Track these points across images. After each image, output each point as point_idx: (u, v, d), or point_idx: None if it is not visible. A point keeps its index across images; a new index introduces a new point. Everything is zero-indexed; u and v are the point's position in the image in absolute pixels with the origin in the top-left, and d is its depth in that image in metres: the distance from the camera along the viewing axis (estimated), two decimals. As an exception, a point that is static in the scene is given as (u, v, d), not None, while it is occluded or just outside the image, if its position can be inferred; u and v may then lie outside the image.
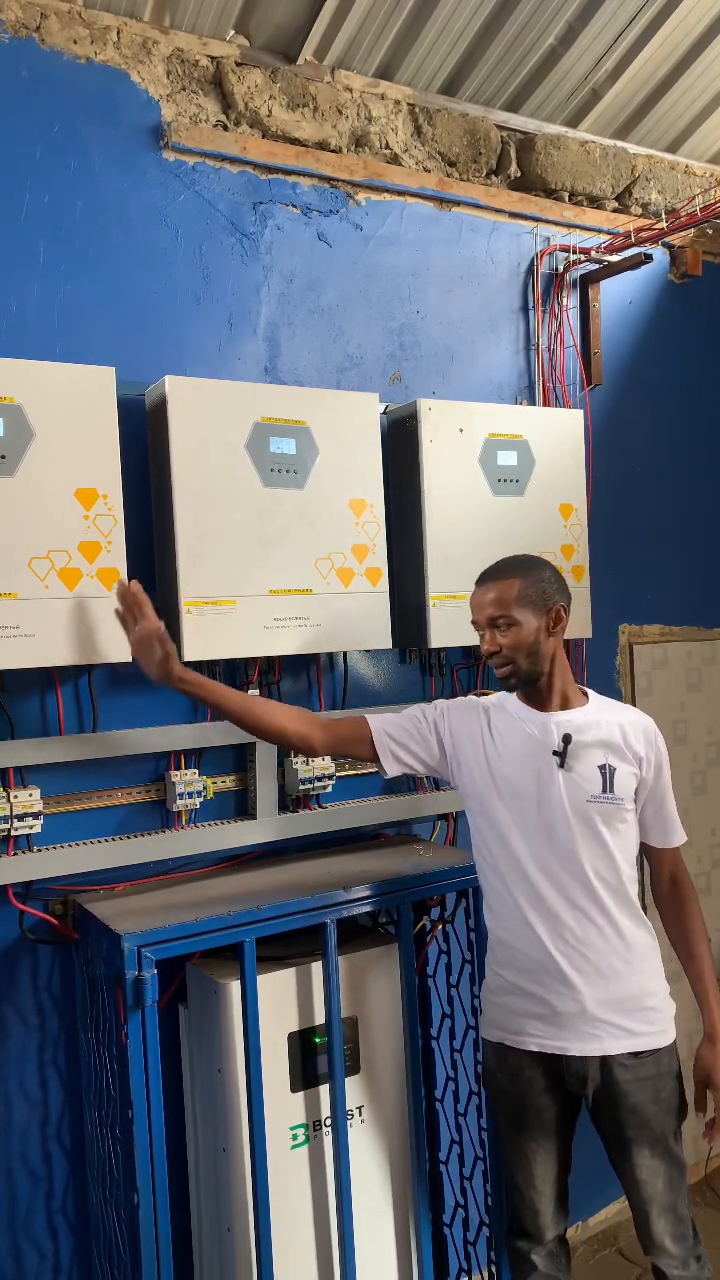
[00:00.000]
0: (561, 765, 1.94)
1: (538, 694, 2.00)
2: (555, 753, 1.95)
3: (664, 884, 2.07)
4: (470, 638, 2.45)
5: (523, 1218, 2.08)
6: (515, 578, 1.96)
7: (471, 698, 2.12)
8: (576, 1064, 1.95)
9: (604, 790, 1.94)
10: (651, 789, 1.99)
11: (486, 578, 2.00)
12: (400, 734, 2.05)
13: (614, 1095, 1.95)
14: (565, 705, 2.00)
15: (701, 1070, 1.98)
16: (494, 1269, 2.32)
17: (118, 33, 2.20)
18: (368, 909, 2.11)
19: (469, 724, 2.04)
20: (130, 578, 2.00)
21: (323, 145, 2.48)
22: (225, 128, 2.36)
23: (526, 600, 1.94)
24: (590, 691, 2.06)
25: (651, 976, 1.97)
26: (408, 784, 2.58)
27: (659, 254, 3.09)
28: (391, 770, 2.04)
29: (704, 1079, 1.98)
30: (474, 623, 2.01)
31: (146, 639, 1.90)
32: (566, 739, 1.95)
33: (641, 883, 2.04)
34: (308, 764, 2.33)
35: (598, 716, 1.99)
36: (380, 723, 2.05)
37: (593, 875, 1.93)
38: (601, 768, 1.94)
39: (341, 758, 2.30)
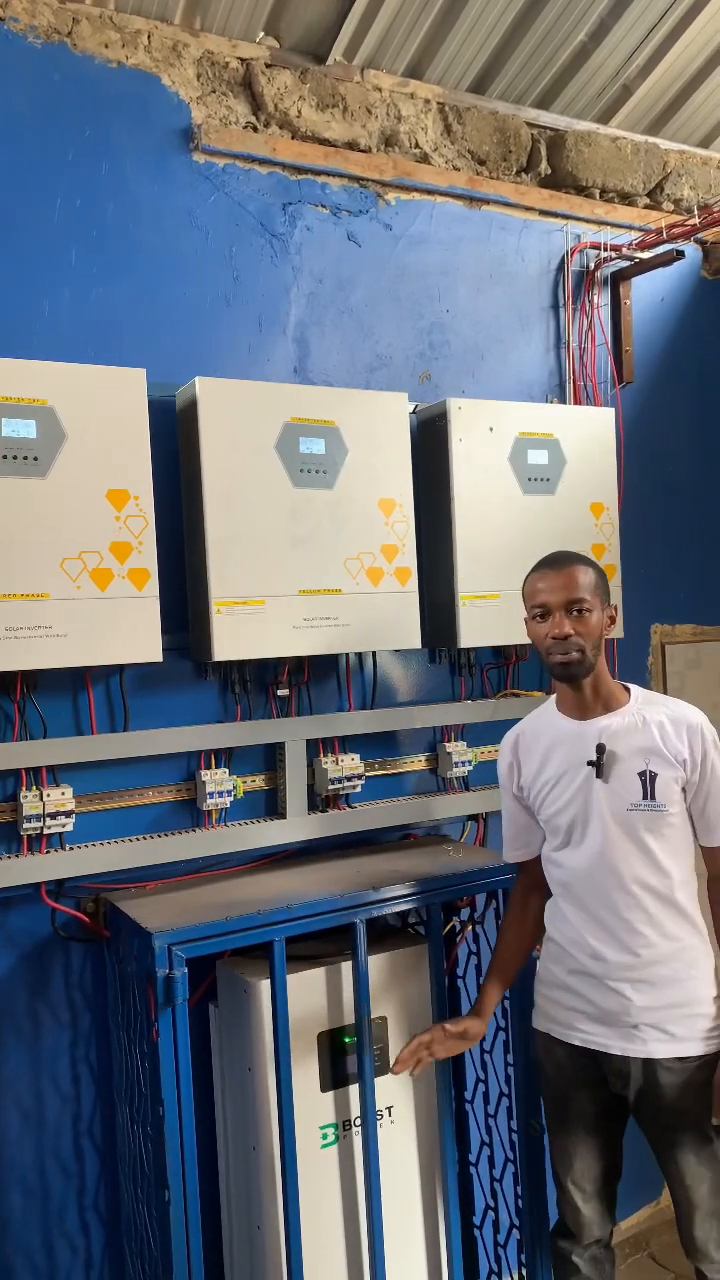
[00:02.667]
0: (599, 775, 1.92)
1: (580, 695, 1.97)
2: (590, 763, 1.93)
3: (714, 884, 1.99)
4: (500, 637, 2.45)
5: (564, 1215, 2.08)
6: (589, 566, 1.95)
7: (512, 731, 2.10)
8: (619, 1063, 1.95)
9: (645, 798, 1.90)
10: (698, 787, 1.93)
11: (559, 562, 1.95)
12: (524, 830, 2.09)
13: (658, 1098, 1.93)
14: (607, 708, 1.96)
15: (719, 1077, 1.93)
16: (524, 1271, 2.31)
17: (148, 36, 2.21)
18: (397, 909, 2.10)
19: (521, 758, 2.05)
20: (160, 577, 2.01)
21: (352, 145, 2.48)
22: (255, 129, 2.36)
23: (598, 591, 1.93)
24: (634, 688, 2.02)
25: (703, 985, 1.94)
26: (437, 784, 2.58)
27: (691, 250, 3.06)
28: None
29: None
30: (539, 605, 1.93)
31: (451, 1045, 2.02)
32: (600, 749, 1.92)
33: None
34: (337, 764, 2.33)
35: (638, 718, 1.94)
36: (517, 844, 2.11)
37: (637, 885, 1.91)
38: (641, 774, 1.90)
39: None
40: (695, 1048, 1.91)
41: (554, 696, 2.04)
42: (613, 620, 1.96)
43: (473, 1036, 2.03)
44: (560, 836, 1.99)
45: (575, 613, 1.90)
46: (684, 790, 1.92)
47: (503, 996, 2.11)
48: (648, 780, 1.90)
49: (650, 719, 1.93)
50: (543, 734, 2.02)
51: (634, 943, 1.91)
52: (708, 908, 1.99)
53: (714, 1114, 1.92)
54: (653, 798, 1.90)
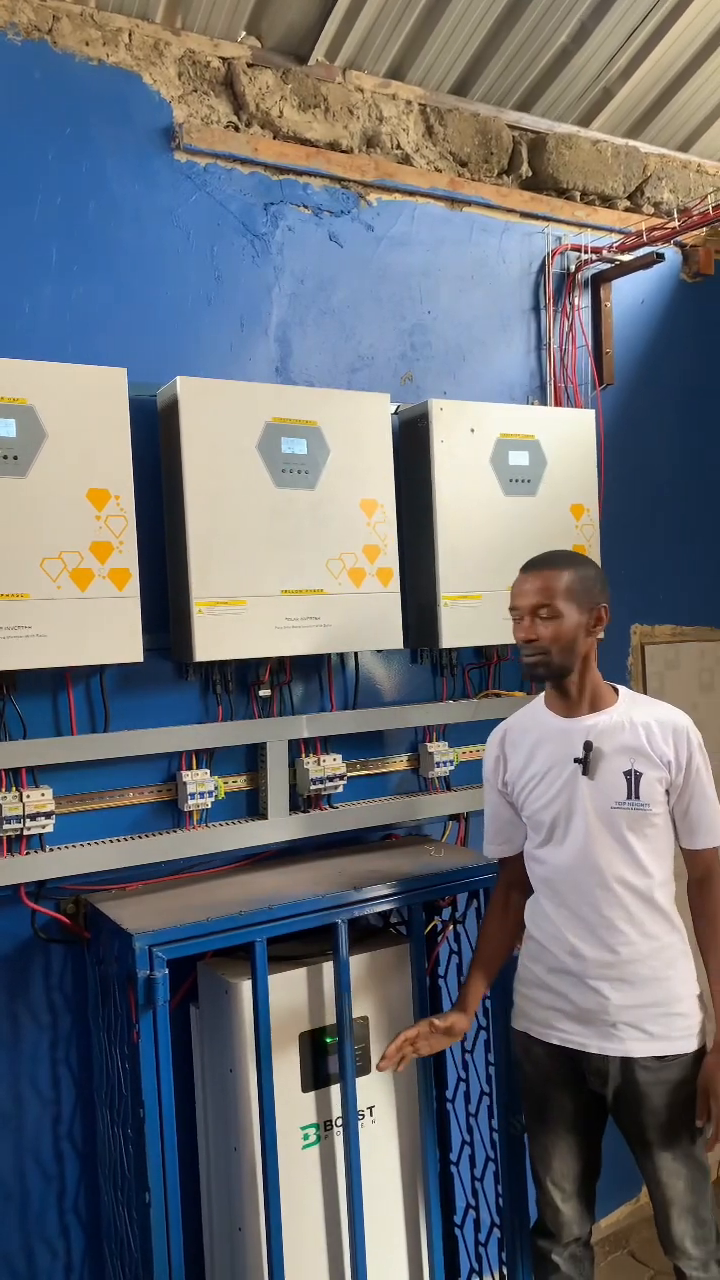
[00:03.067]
0: (585, 772, 1.93)
1: (565, 695, 1.98)
2: (577, 760, 1.94)
3: (694, 887, 2.00)
4: (482, 638, 2.47)
5: (543, 1214, 2.08)
6: (565, 569, 1.94)
7: (499, 727, 2.11)
8: (597, 1061, 1.96)
9: (629, 796, 1.91)
10: (681, 790, 1.94)
11: (535, 565, 1.97)
12: (506, 826, 2.10)
13: (635, 1096, 1.94)
14: (594, 707, 1.98)
15: (705, 1079, 1.92)
16: (505, 1270, 2.32)
17: (129, 34, 2.21)
18: (379, 909, 2.11)
19: (507, 753, 2.06)
20: (141, 577, 2.01)
21: (334, 146, 2.48)
22: (237, 129, 2.36)
23: (573, 594, 1.92)
24: (622, 689, 2.03)
25: (681, 983, 1.95)
26: (419, 784, 2.58)
27: (671, 253, 3.07)
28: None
29: (706, 1088, 1.92)
30: (513, 609, 1.97)
31: (435, 1042, 2.02)
32: (588, 747, 1.93)
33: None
34: (319, 764, 2.33)
35: (625, 717, 1.95)
36: (498, 841, 2.12)
37: (618, 883, 1.92)
38: (627, 774, 1.92)
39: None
40: (673, 1047, 1.93)
41: (543, 694, 2.05)
42: (600, 621, 1.95)
43: (458, 1032, 2.04)
44: (543, 833, 2.00)
45: (541, 617, 1.92)
46: (668, 792, 1.94)
47: (486, 992, 2.11)
48: (632, 779, 1.91)
49: (637, 720, 1.95)
50: (530, 730, 2.03)
51: (613, 940, 1.92)
52: (688, 910, 2.01)
53: (698, 1116, 1.93)
54: (637, 797, 1.91)
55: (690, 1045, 1.94)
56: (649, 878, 1.93)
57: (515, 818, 2.07)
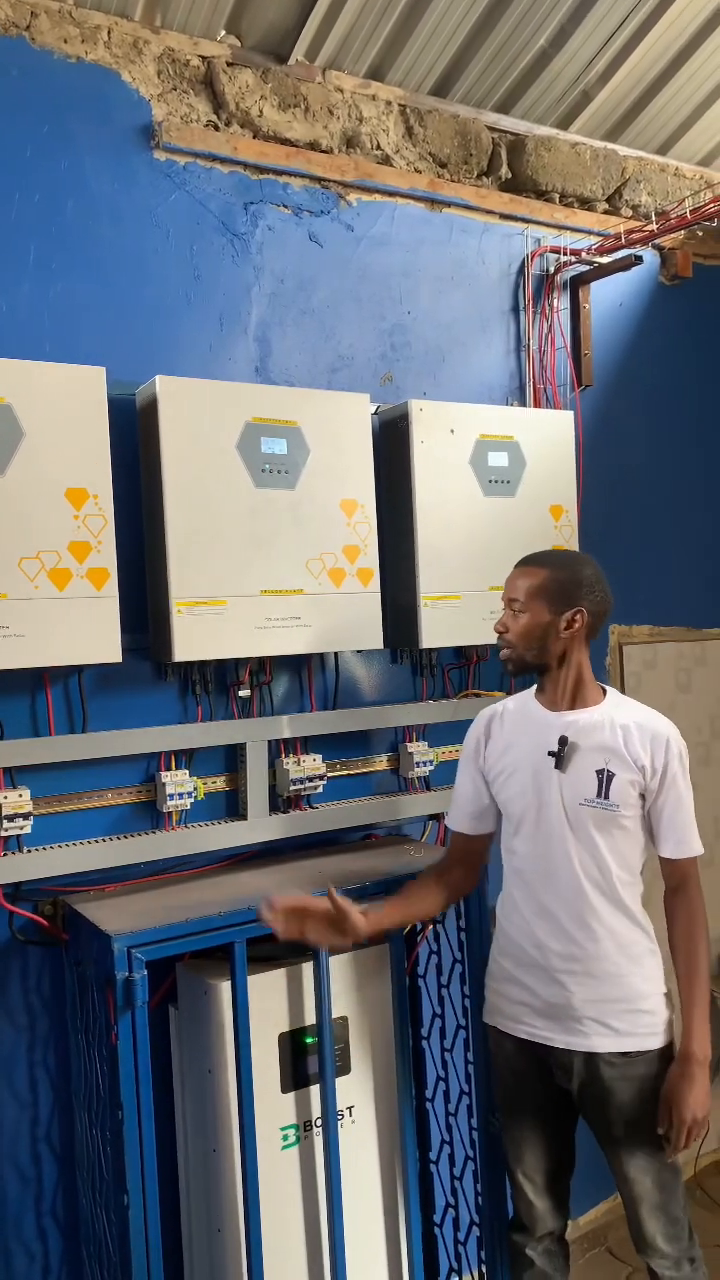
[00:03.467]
0: (558, 766, 1.95)
1: (551, 688, 2.01)
2: (551, 754, 1.95)
3: (668, 895, 2.00)
4: (462, 638, 2.48)
5: (518, 1208, 2.09)
6: (546, 569, 1.98)
7: (491, 706, 2.14)
8: (562, 1056, 1.97)
9: (598, 795, 1.92)
10: (656, 796, 1.94)
11: (522, 562, 2.04)
12: (469, 803, 2.11)
13: (601, 1092, 1.95)
14: (576, 704, 1.99)
15: (668, 1088, 1.92)
16: (484, 1269, 2.32)
17: (108, 32, 2.20)
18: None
19: (492, 733, 2.08)
20: (120, 577, 2.00)
21: (314, 146, 2.48)
22: (216, 128, 2.35)
23: (545, 594, 1.95)
24: (611, 691, 2.04)
25: (645, 980, 1.96)
26: (398, 785, 2.59)
27: (649, 256, 3.10)
28: (497, 825, 2.12)
29: (666, 1098, 1.91)
30: (503, 600, 2.04)
31: (326, 925, 1.85)
32: (563, 741, 1.95)
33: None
34: (299, 764, 2.33)
35: (606, 718, 1.96)
36: (458, 815, 2.13)
37: (584, 877, 1.93)
38: (599, 772, 1.93)
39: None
40: (637, 1043, 1.93)
41: (535, 685, 2.08)
42: (571, 624, 1.95)
43: (351, 929, 1.84)
44: (513, 823, 2.02)
45: (513, 611, 1.98)
46: (642, 796, 1.94)
47: (390, 925, 2.03)
48: (604, 779, 1.92)
49: (618, 721, 1.96)
50: (514, 717, 2.06)
51: (578, 935, 1.94)
52: (660, 915, 2.01)
53: (659, 1123, 1.92)
54: (606, 796, 1.92)
55: (656, 1042, 1.95)
56: (614, 877, 1.94)
57: (482, 798, 2.09)
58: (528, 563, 2.03)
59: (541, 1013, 1.98)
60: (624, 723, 1.96)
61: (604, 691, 2.03)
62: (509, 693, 2.65)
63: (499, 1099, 2.14)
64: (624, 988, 1.94)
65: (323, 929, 1.85)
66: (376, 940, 2.11)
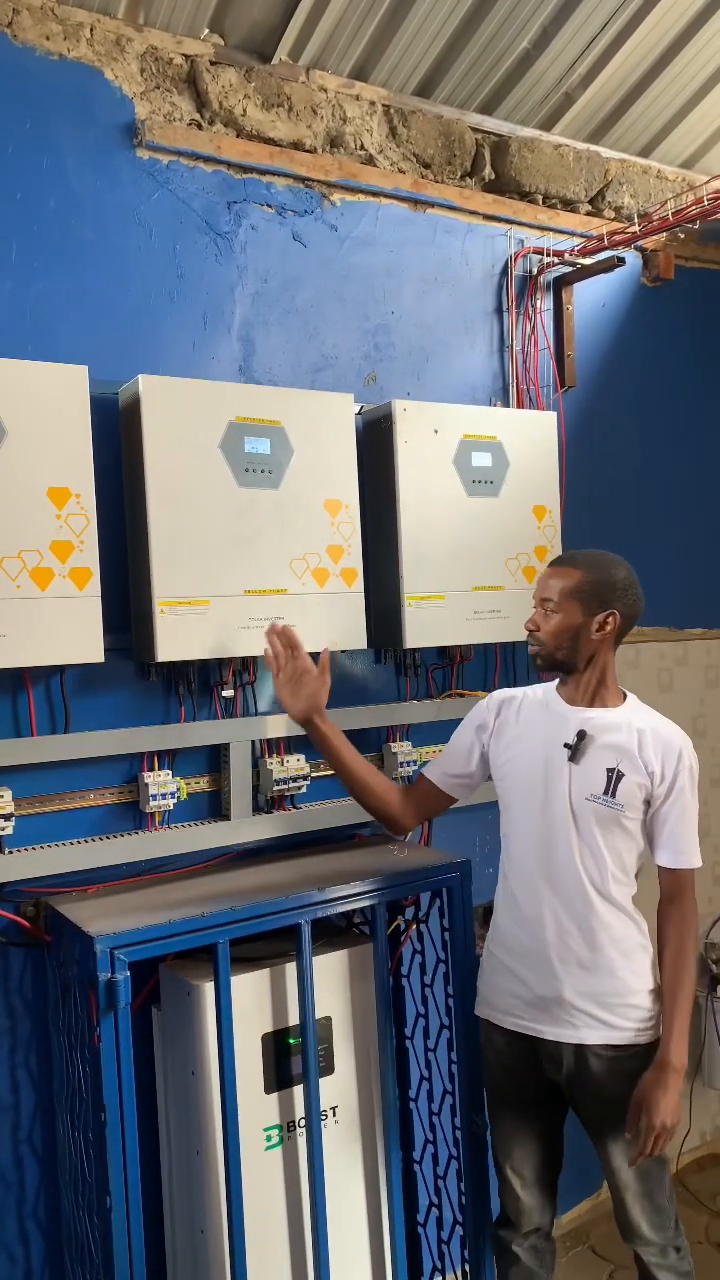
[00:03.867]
0: (571, 759, 1.97)
1: (574, 685, 2.04)
2: (567, 745, 1.98)
3: (663, 904, 2.02)
4: (445, 638, 2.49)
5: (504, 1203, 2.10)
6: (581, 570, 2.01)
7: (507, 690, 2.17)
8: (551, 1048, 1.99)
9: (605, 793, 1.95)
10: (661, 804, 1.96)
11: (558, 561, 2.07)
12: (454, 765, 2.15)
13: (589, 1084, 1.97)
14: (596, 704, 2.02)
15: (639, 1093, 1.92)
16: (468, 1267, 2.33)
17: (91, 29, 2.19)
18: (342, 909, 2.11)
19: (505, 718, 2.10)
20: (103, 576, 1.99)
21: (298, 145, 2.48)
22: (199, 126, 2.35)
23: (580, 596, 1.98)
24: (631, 696, 2.07)
25: (637, 976, 1.98)
26: (382, 784, 2.58)
27: (632, 257, 3.11)
28: (468, 796, 2.17)
29: (638, 1102, 1.92)
30: (534, 598, 2.06)
31: (302, 676, 2.03)
32: (581, 734, 1.97)
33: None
34: (282, 764, 2.32)
35: (623, 720, 1.99)
36: (437, 769, 2.16)
37: (582, 870, 1.96)
38: (609, 771, 1.95)
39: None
40: (626, 1036, 1.96)
41: (557, 680, 2.10)
42: (603, 627, 1.98)
43: (310, 682, 2.03)
44: (515, 810, 2.04)
45: (546, 610, 2.00)
46: (647, 802, 1.97)
47: (339, 746, 2.10)
48: (613, 778, 1.95)
49: (635, 725, 1.99)
50: (532, 707, 2.08)
51: (573, 927, 1.96)
52: (652, 913, 2.03)
53: (628, 1127, 1.93)
54: (613, 795, 1.95)
55: (645, 1038, 1.97)
56: (609, 875, 1.96)
57: (469, 767, 2.12)
58: (562, 563, 2.05)
59: (532, 1004, 2.00)
60: (640, 727, 1.99)
61: (624, 696, 2.06)
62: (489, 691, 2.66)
63: (488, 1093, 2.15)
64: (615, 981, 1.96)
65: (293, 667, 2.03)
66: (326, 750, 2.10)
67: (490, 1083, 2.14)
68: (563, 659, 2.00)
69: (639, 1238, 2.00)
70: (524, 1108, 2.07)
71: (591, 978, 1.96)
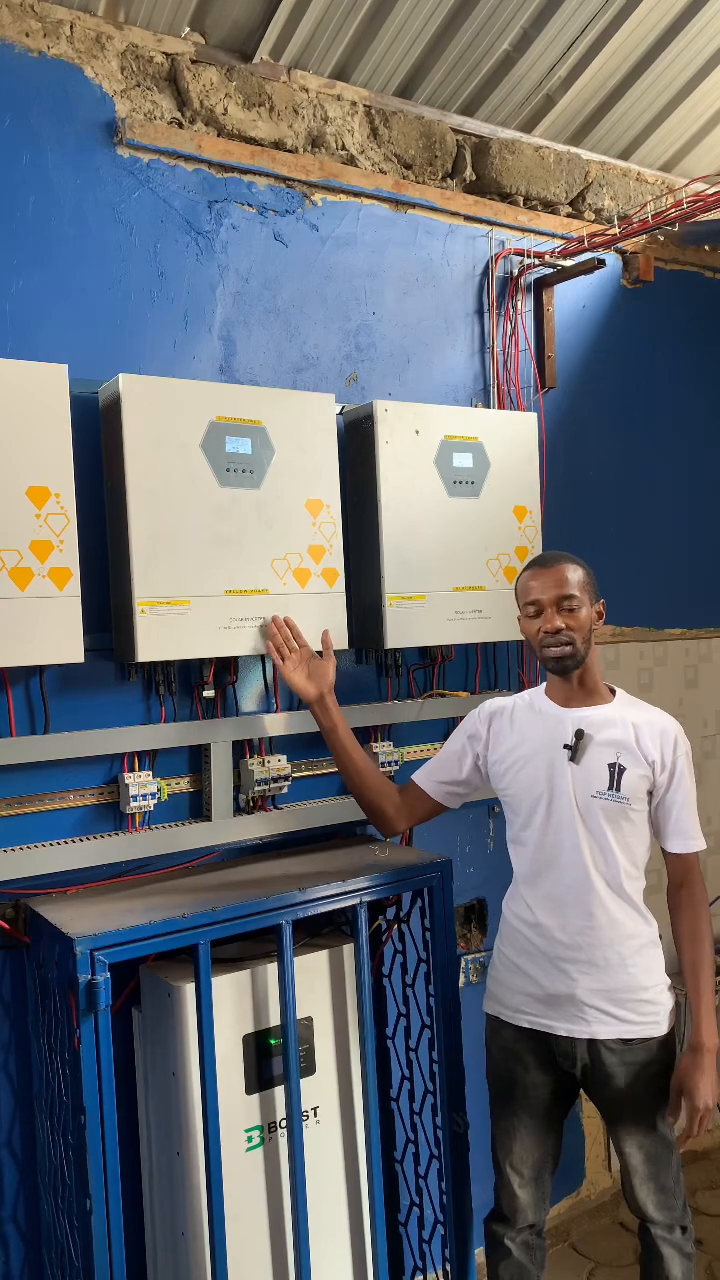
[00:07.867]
0: (572, 759, 2.00)
1: (568, 685, 2.05)
2: (566, 746, 2.01)
3: (673, 889, 2.08)
4: (427, 638, 2.48)
5: (500, 1199, 2.12)
6: (578, 565, 2.06)
7: (494, 700, 2.18)
8: (565, 1044, 2.03)
9: (610, 788, 1.98)
10: (665, 792, 2.02)
11: (550, 561, 2.07)
12: (446, 772, 2.17)
13: (602, 1076, 2.01)
14: (590, 701, 2.06)
15: (679, 1078, 2.00)
16: (449, 1267, 2.33)
17: (71, 27, 2.18)
18: (324, 910, 2.10)
19: (498, 729, 2.12)
20: (83, 576, 1.98)
21: (279, 145, 2.47)
22: (180, 125, 2.34)
23: (586, 588, 2.04)
24: (619, 690, 2.12)
25: (648, 971, 2.02)
26: (364, 784, 2.58)
27: (612, 259, 3.13)
28: (457, 804, 2.19)
29: (678, 1086, 2.00)
30: (531, 603, 2.04)
31: (310, 659, 2.16)
32: (579, 734, 2.00)
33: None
34: (264, 765, 2.32)
35: (617, 714, 2.03)
36: (429, 777, 2.19)
37: (592, 868, 1.99)
38: (611, 766, 1.99)
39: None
40: (639, 1030, 2.00)
41: (544, 685, 2.12)
42: (601, 615, 2.06)
43: (318, 671, 2.17)
44: (522, 815, 2.06)
45: (566, 609, 2.01)
46: (650, 792, 2.01)
47: (341, 727, 2.18)
48: (616, 772, 1.99)
49: (629, 718, 2.03)
50: (525, 713, 2.11)
51: (584, 925, 1.99)
52: (662, 910, 2.07)
53: (670, 1112, 2.00)
54: (617, 789, 1.98)
55: (656, 1030, 2.01)
56: (620, 869, 2.00)
57: (460, 775, 2.15)
58: (561, 560, 2.06)
59: (544, 1001, 2.03)
60: (635, 720, 2.03)
61: (613, 691, 2.10)
62: (474, 694, 2.67)
63: (491, 1090, 2.16)
64: (627, 977, 1.99)
65: (299, 666, 2.15)
66: (327, 732, 2.19)
67: (495, 1080, 2.15)
68: (585, 654, 2.03)
69: (646, 1216, 2.06)
70: (530, 1104, 2.09)
71: (604, 975, 1.99)
